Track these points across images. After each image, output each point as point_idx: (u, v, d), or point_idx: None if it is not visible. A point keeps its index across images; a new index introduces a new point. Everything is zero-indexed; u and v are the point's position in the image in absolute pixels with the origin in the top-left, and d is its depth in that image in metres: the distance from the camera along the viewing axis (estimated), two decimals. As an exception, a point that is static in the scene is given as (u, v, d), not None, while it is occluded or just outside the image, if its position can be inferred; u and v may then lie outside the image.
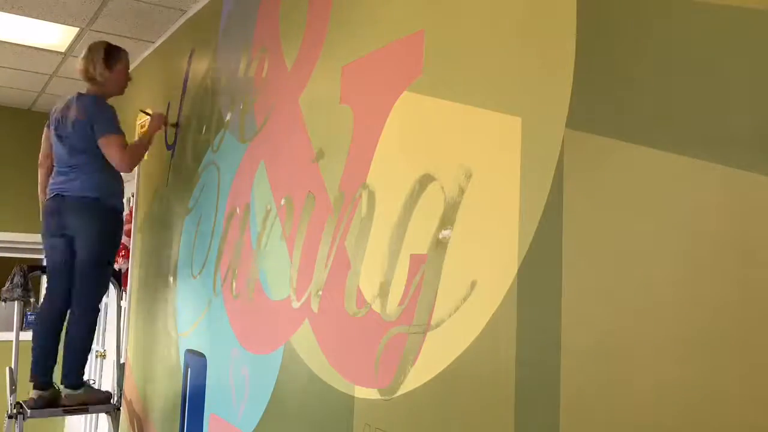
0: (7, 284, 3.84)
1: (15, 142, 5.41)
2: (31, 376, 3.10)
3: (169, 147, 3.46)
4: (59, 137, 3.05)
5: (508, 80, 1.41)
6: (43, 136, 3.22)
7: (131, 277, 3.85)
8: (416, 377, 1.57)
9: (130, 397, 3.67)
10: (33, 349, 3.09)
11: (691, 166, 1.05)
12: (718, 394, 0.99)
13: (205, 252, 2.87)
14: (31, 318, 5.38)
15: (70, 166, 3.02)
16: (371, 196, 1.80)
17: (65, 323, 3.09)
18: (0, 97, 5.19)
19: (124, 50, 3.16)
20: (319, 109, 2.13)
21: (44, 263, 3.93)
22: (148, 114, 3.55)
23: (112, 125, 3.01)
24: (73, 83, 4.68)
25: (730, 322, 0.98)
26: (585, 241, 1.20)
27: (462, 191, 1.49)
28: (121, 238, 3.23)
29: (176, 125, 3.38)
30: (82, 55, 3.07)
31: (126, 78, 3.18)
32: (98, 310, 3.13)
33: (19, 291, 3.76)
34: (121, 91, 3.20)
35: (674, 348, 1.05)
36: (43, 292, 5.22)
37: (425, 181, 1.61)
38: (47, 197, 3.10)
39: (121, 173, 3.13)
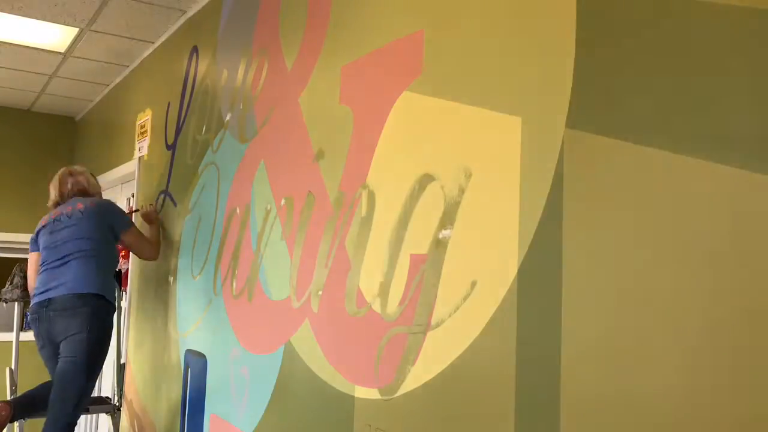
0: (7, 285, 3.79)
1: (15, 142, 5.42)
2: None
3: (169, 147, 3.46)
4: (52, 233, 2.94)
5: (508, 80, 1.41)
6: (29, 263, 3.11)
7: (131, 277, 3.85)
8: (416, 377, 1.57)
9: (130, 397, 3.67)
10: (38, 386, 2.96)
11: (692, 166, 1.05)
12: (718, 394, 0.99)
13: (205, 252, 2.87)
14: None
15: (65, 257, 2.87)
16: (371, 196, 1.80)
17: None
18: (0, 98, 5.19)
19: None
20: (319, 109, 2.13)
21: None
22: (135, 211, 3.75)
23: (127, 218, 3.18)
24: (73, 83, 4.68)
25: (731, 321, 0.98)
26: (585, 241, 1.20)
27: (462, 191, 1.49)
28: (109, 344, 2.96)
29: (138, 211, 3.63)
30: (61, 179, 3.17)
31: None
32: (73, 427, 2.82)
33: (18, 292, 3.71)
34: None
35: (674, 347, 1.05)
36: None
37: (425, 181, 1.61)
38: (32, 303, 2.90)
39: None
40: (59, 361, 2.77)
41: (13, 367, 3.79)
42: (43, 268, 2.91)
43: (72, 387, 2.74)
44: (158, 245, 3.30)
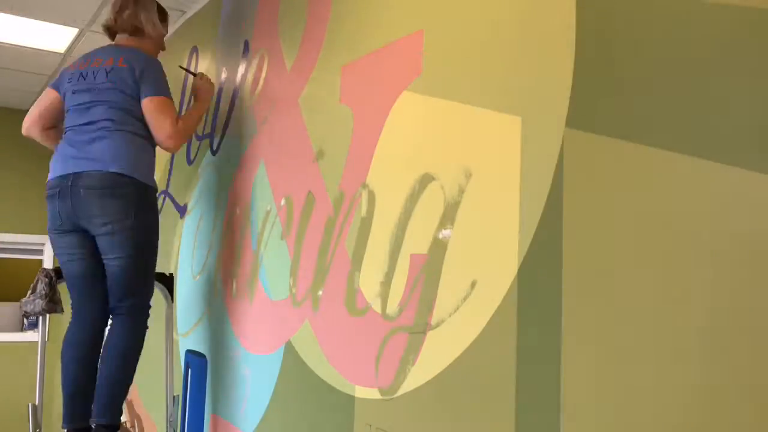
0: (29, 295, 2.98)
1: (14, 142, 5.41)
2: (64, 421, 2.31)
3: (168, 147, 3.46)
4: (76, 92, 2.32)
5: (508, 80, 1.41)
6: (42, 97, 2.49)
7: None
8: (417, 377, 1.57)
9: (130, 397, 3.67)
10: (63, 387, 2.34)
11: (692, 165, 1.05)
12: (719, 394, 0.99)
13: (205, 252, 2.87)
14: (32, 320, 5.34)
15: (92, 126, 2.25)
16: (371, 196, 1.80)
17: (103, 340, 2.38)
18: (-1, 98, 5.19)
19: (167, 15, 2.65)
20: (318, 109, 2.13)
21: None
22: (191, 72, 2.91)
23: (165, 86, 2.38)
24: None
25: (731, 321, 0.98)
26: (585, 241, 1.20)
27: (462, 191, 1.49)
28: (158, 234, 2.41)
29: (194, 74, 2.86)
30: (122, 4, 2.43)
31: (162, 46, 2.60)
32: (148, 314, 2.37)
33: (42, 303, 2.91)
34: (157, 53, 2.59)
35: (675, 347, 1.05)
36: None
37: (425, 181, 1.61)
38: (51, 178, 2.29)
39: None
40: (105, 261, 2.22)
41: (37, 403, 2.94)
42: (69, 134, 2.32)
43: (132, 294, 2.25)
44: (187, 131, 2.44)
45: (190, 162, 3.14)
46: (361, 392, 1.77)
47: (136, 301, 2.31)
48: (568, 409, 1.21)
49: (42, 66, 4.30)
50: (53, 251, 2.41)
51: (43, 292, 2.87)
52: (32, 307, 2.87)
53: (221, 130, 2.82)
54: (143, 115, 2.31)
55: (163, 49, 2.62)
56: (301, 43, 2.26)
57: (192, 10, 3.34)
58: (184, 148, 3.23)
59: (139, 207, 2.22)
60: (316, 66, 2.15)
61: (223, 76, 2.87)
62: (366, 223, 1.81)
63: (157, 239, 2.37)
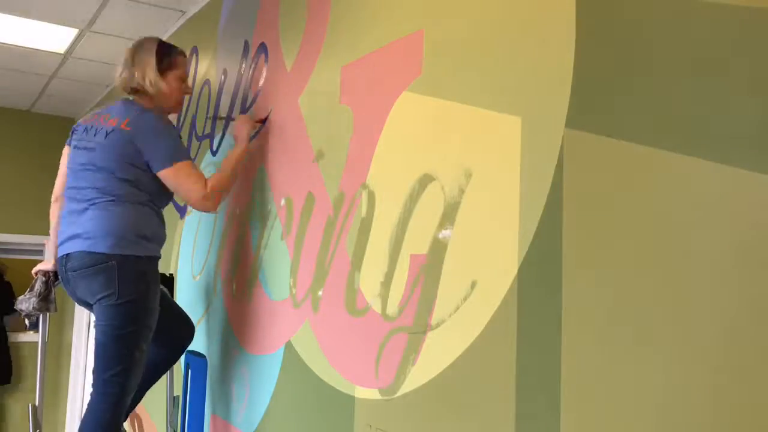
0: (26, 293, 2.97)
1: (15, 143, 5.42)
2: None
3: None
4: (77, 149, 2.23)
5: (508, 80, 1.41)
6: (62, 158, 2.40)
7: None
8: (417, 377, 1.57)
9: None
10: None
11: (692, 165, 1.05)
12: (719, 393, 0.99)
13: (206, 252, 2.87)
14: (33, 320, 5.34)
15: (83, 193, 2.17)
16: (371, 196, 1.80)
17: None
18: (-1, 98, 5.19)
19: (180, 51, 2.36)
20: (318, 109, 2.13)
21: None
22: (224, 118, 2.66)
23: (176, 148, 2.19)
24: (73, 84, 4.68)
25: (731, 321, 0.98)
26: (585, 241, 1.20)
27: (462, 191, 1.49)
28: (156, 306, 2.23)
29: (223, 118, 2.66)
30: (125, 63, 2.27)
31: (182, 90, 2.36)
32: (123, 391, 2.14)
33: (35, 301, 2.90)
34: (176, 107, 2.38)
35: (675, 347, 1.05)
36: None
37: (425, 181, 1.61)
38: (56, 256, 2.28)
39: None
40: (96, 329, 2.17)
41: (37, 404, 2.95)
42: (66, 203, 2.25)
43: (106, 363, 2.13)
44: (219, 187, 2.25)
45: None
46: (361, 392, 1.77)
47: (109, 375, 2.11)
48: (568, 409, 1.21)
49: (42, 66, 4.31)
50: None
51: (38, 291, 2.84)
52: (26, 305, 2.83)
53: (221, 130, 2.82)
54: (140, 179, 2.17)
55: (177, 107, 2.38)
56: (301, 43, 2.26)
57: (192, 10, 3.34)
58: (184, 149, 3.22)
59: (122, 280, 2.10)
60: (316, 66, 2.15)
61: (223, 76, 2.87)
62: (366, 224, 1.81)
63: (147, 313, 2.17)
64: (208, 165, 2.94)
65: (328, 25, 2.11)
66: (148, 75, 2.23)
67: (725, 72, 1.02)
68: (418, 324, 1.57)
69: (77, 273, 2.15)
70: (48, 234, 2.45)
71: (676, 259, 1.06)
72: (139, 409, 3.51)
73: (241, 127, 2.39)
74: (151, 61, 2.24)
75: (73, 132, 2.33)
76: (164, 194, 2.28)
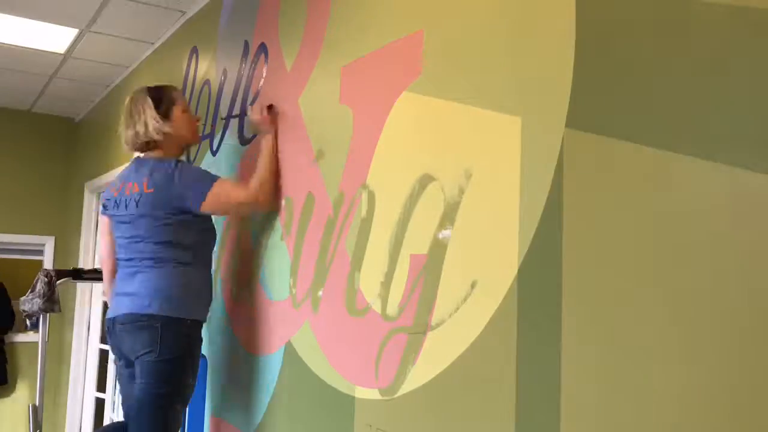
0: (28, 294, 3.05)
1: (15, 143, 5.42)
2: None
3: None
4: (120, 224, 2.29)
5: (508, 80, 1.41)
6: (100, 224, 2.47)
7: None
8: (417, 377, 1.57)
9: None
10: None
11: (692, 165, 1.05)
12: (719, 394, 0.99)
13: (205, 253, 2.87)
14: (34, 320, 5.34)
15: (132, 262, 2.26)
16: (371, 196, 1.80)
17: None
18: (-1, 98, 5.19)
19: (171, 87, 2.42)
20: (318, 110, 2.13)
21: (73, 267, 3.37)
22: (236, 116, 2.68)
23: (204, 177, 2.23)
24: (73, 84, 4.68)
25: (731, 321, 0.98)
26: (585, 241, 1.20)
27: (462, 191, 1.49)
28: (196, 369, 2.29)
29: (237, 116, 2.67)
30: (125, 122, 2.30)
31: (192, 119, 2.41)
32: None
33: (40, 302, 2.97)
34: (193, 138, 2.41)
35: (675, 347, 1.05)
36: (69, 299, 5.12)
37: (425, 181, 1.61)
38: (107, 317, 2.34)
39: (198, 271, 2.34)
40: (134, 388, 2.23)
41: (37, 404, 3.09)
42: (119, 265, 2.34)
43: (140, 420, 2.18)
44: (270, 187, 2.27)
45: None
46: (361, 392, 1.77)
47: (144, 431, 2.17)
48: (568, 409, 1.21)
49: (42, 66, 4.31)
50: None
51: (42, 292, 2.87)
52: (30, 306, 2.82)
53: (221, 130, 2.82)
54: (180, 238, 2.23)
55: (194, 138, 2.41)
56: (301, 43, 2.26)
57: (192, 10, 3.34)
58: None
59: (164, 339, 2.16)
60: (316, 66, 2.15)
61: (223, 76, 2.87)
62: (366, 224, 1.81)
63: (184, 374, 2.22)
64: (208, 165, 2.94)
65: (328, 25, 2.11)
66: (151, 124, 2.25)
67: (725, 72, 1.02)
68: (418, 324, 1.57)
69: (124, 327, 2.21)
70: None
71: (676, 259, 1.06)
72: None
73: (259, 120, 2.34)
74: (149, 110, 2.26)
75: (104, 206, 2.39)
76: (206, 245, 2.36)
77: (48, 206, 5.52)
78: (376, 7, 1.87)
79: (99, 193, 4.77)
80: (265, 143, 2.32)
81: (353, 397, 1.80)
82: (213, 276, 2.76)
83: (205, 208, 2.21)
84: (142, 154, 2.32)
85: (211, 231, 2.39)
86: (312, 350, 2.02)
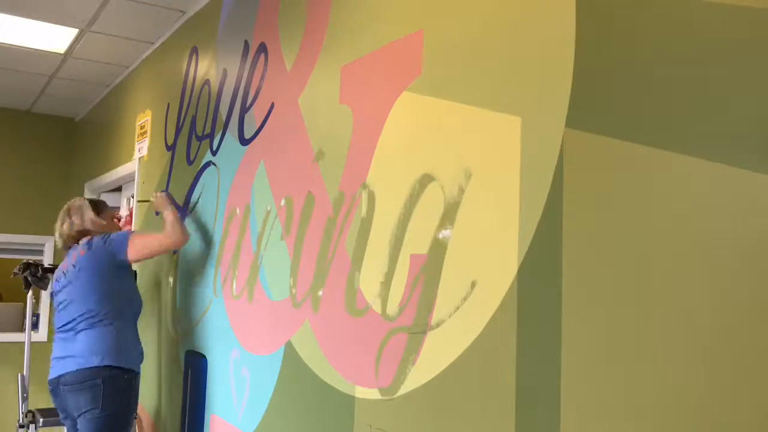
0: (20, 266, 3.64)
1: (15, 143, 5.41)
2: None
3: (168, 148, 3.46)
4: (55, 295, 2.71)
5: (508, 80, 1.41)
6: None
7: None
8: (417, 377, 1.57)
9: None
10: None
11: (692, 165, 1.05)
12: (719, 394, 0.99)
13: (206, 253, 2.87)
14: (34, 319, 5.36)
15: (69, 323, 2.62)
16: (371, 196, 1.80)
17: None
18: (-1, 98, 5.19)
19: (103, 201, 2.97)
20: (318, 109, 2.13)
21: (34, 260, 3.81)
22: (147, 201, 3.37)
23: (128, 233, 2.72)
24: (73, 84, 4.68)
25: (731, 321, 0.98)
26: (585, 241, 1.20)
27: (462, 191, 1.49)
28: (133, 420, 2.67)
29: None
30: (61, 219, 2.77)
31: (115, 221, 3.00)
32: None
33: (33, 279, 3.58)
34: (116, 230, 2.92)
35: (675, 347, 1.05)
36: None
37: (425, 181, 1.61)
38: (48, 378, 2.68)
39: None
40: None
41: (24, 374, 3.58)
42: (56, 334, 2.71)
43: None
44: (177, 229, 2.74)
45: (190, 162, 3.14)
46: (361, 392, 1.77)
47: None
48: (568, 409, 1.21)
49: (42, 66, 4.30)
50: None
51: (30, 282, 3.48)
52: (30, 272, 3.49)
53: (221, 130, 2.82)
54: (115, 296, 2.64)
55: (119, 228, 2.95)
56: (301, 43, 2.26)
57: (192, 10, 3.33)
58: (184, 149, 3.23)
59: (106, 397, 2.50)
60: (316, 66, 2.15)
61: (223, 76, 2.87)
62: (366, 224, 1.81)
63: (127, 428, 2.59)
64: (208, 164, 2.94)
65: (328, 25, 2.11)
66: (88, 215, 2.76)
67: (725, 72, 1.02)
68: (418, 324, 1.57)
69: (67, 387, 2.54)
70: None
71: (676, 259, 1.06)
72: (140, 410, 3.51)
73: (160, 203, 2.88)
74: (87, 209, 2.78)
75: (51, 294, 2.84)
76: (134, 306, 2.78)
77: (48, 206, 5.50)
78: (376, 7, 1.87)
79: (99, 193, 4.77)
80: (167, 213, 2.79)
81: (353, 397, 1.80)
82: (213, 274, 2.76)
83: (131, 253, 2.65)
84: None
85: (137, 294, 2.84)
86: (312, 350, 2.02)
